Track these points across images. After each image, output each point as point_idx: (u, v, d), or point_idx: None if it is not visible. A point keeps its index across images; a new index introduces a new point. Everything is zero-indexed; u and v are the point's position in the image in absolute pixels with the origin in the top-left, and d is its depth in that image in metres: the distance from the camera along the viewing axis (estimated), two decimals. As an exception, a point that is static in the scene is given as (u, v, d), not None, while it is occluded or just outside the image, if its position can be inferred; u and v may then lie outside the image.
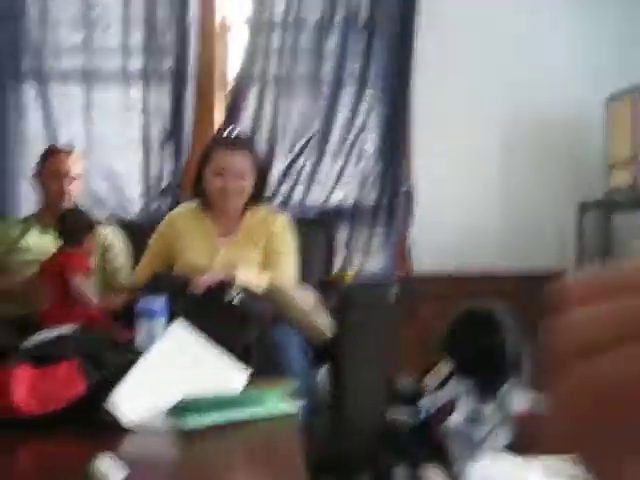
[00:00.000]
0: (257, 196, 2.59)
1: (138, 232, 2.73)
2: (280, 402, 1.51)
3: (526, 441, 2.67)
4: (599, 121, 3.09)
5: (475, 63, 3.26)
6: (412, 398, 2.89)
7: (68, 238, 2.42)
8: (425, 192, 3.23)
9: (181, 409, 1.37)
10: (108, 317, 2.29)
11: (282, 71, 3.11)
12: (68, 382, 1.38)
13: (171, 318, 1.68)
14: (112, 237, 2.78)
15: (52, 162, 2.74)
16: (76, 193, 2.78)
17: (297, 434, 1.37)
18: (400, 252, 3.17)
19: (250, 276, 2.36)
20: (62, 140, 3.07)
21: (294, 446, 1.28)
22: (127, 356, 1.49)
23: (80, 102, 3.13)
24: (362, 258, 3.15)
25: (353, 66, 3.13)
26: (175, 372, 1.47)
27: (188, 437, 1.30)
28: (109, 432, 1.31)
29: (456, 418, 2.63)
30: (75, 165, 2.77)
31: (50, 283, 2.34)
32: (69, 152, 2.79)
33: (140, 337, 1.64)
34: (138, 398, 1.37)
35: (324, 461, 2.47)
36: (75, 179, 2.75)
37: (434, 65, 3.18)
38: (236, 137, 2.59)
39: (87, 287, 2.34)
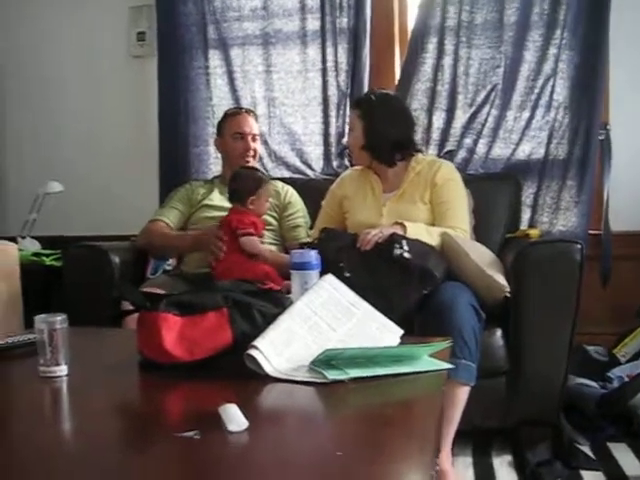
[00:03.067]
0: (409, 145, 2.51)
1: (318, 192, 2.74)
2: (433, 360, 1.42)
3: None
4: None
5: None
6: (602, 367, 2.66)
7: (234, 196, 2.49)
8: (622, 143, 2.92)
9: (325, 361, 1.33)
10: (278, 273, 2.33)
11: (462, 19, 2.94)
12: (215, 331, 1.40)
13: (332, 272, 1.64)
14: (292, 195, 2.83)
15: (231, 123, 2.83)
16: (257, 153, 2.85)
17: (439, 395, 1.28)
18: (594, 208, 2.90)
19: (420, 230, 2.28)
20: (244, 103, 3.16)
21: (433, 407, 1.19)
22: (277, 307, 1.48)
23: (261, 65, 3.18)
24: (551, 215, 2.92)
25: (541, 6, 2.88)
26: (321, 324, 1.44)
27: (328, 390, 1.26)
28: (251, 381, 1.31)
29: (651, 391, 2.37)
30: (254, 125, 2.84)
31: (226, 239, 2.42)
32: (248, 113, 2.86)
33: (293, 289, 1.63)
34: (281, 348, 1.36)
35: (499, 426, 2.35)
36: (255, 139, 2.82)
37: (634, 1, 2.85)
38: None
39: (256, 246, 2.39)
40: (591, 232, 2.88)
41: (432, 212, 2.41)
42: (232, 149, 2.82)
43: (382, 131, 2.47)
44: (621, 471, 2.23)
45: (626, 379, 2.56)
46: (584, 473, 2.22)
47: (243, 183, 2.47)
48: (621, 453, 2.35)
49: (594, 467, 2.25)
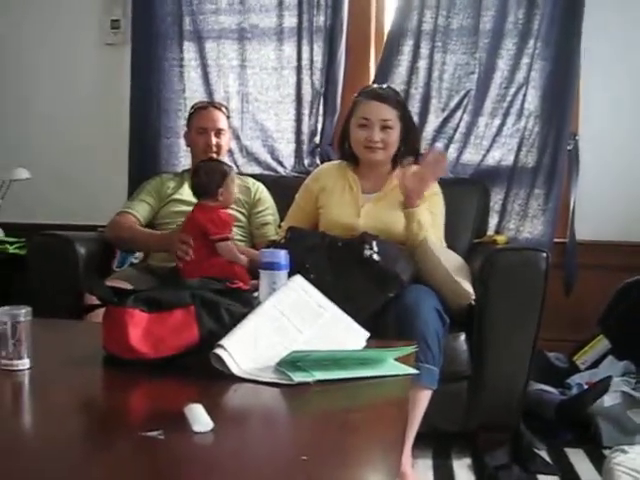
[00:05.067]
0: (406, 153, 2.50)
1: (289, 189, 2.73)
2: (398, 364, 1.43)
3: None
4: None
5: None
6: (561, 374, 2.71)
7: (200, 191, 2.46)
8: (590, 153, 2.97)
9: (291, 363, 1.34)
10: (247, 273, 2.32)
11: (438, 23, 2.95)
12: (182, 329, 1.40)
13: (298, 272, 1.64)
14: (262, 192, 2.82)
15: (197, 117, 2.81)
16: (225, 148, 2.83)
17: (405, 400, 1.29)
18: (561, 217, 2.94)
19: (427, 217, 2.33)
20: (218, 97, 3.14)
21: (399, 411, 1.20)
22: (245, 307, 1.47)
23: (236, 59, 3.16)
24: (518, 222, 2.96)
25: (516, 15, 2.91)
26: (289, 326, 1.44)
27: (294, 392, 1.27)
28: (217, 380, 1.30)
29: (610, 400, 2.42)
30: (222, 120, 2.82)
31: (192, 237, 2.39)
32: (216, 107, 2.84)
33: (261, 289, 1.62)
34: (248, 348, 1.36)
35: (459, 430, 2.37)
36: (223, 134, 2.80)
37: (607, 10, 2.89)
38: (381, 88, 2.51)
39: (233, 254, 2.36)
40: (557, 240, 2.92)
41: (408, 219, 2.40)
42: (195, 143, 2.80)
43: (415, 136, 2.52)
44: (577, 476, 2.28)
45: (585, 386, 2.61)
46: (541, 477, 2.26)
47: (209, 176, 2.43)
48: (578, 459, 2.40)
49: (551, 472, 2.29)
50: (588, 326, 2.78)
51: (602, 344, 2.73)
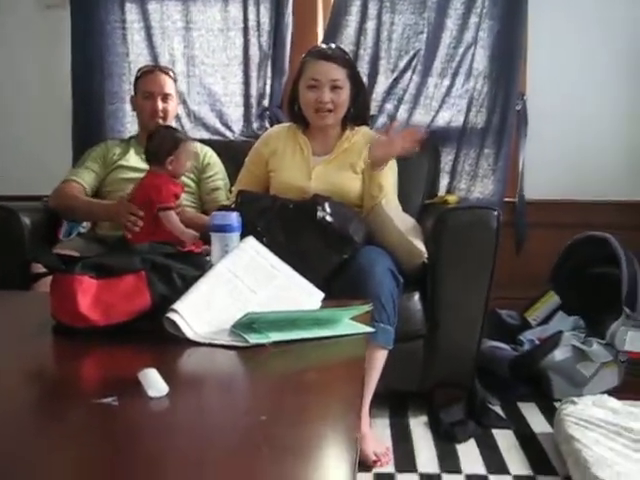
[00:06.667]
0: (357, 116, 2.48)
1: (238, 154, 2.68)
2: (353, 323, 1.43)
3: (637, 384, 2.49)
4: None
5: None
6: (514, 330, 2.76)
7: (151, 157, 2.41)
8: (538, 112, 2.99)
9: (246, 325, 1.32)
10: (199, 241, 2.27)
11: (386, -17, 2.92)
12: (133, 295, 1.36)
13: (250, 235, 1.62)
14: (211, 157, 2.77)
15: (143, 82, 2.74)
16: (172, 113, 2.77)
17: (362, 358, 1.29)
18: (510, 176, 2.97)
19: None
20: (163, 61, 3.06)
21: (355, 370, 1.20)
22: (197, 270, 1.44)
23: (180, 21, 3.08)
24: (469, 182, 2.98)
25: (463, -26, 2.90)
26: (242, 288, 1.42)
27: (250, 354, 1.25)
28: (171, 345, 1.28)
29: (560, 354, 2.47)
30: (170, 84, 2.75)
31: (140, 207, 2.34)
32: (162, 71, 2.77)
33: (213, 252, 1.59)
34: (202, 312, 1.33)
35: (415, 389, 2.40)
36: (170, 99, 2.73)
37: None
38: (329, 48, 2.47)
39: (176, 227, 2.30)
40: (507, 199, 2.95)
41: (363, 182, 2.39)
42: (142, 109, 2.73)
43: (364, 97, 2.48)
44: (530, 429, 2.33)
45: (537, 342, 2.66)
46: (495, 432, 2.31)
47: (160, 143, 2.38)
48: (530, 412, 2.46)
49: (505, 426, 2.34)
50: (539, 283, 2.83)
51: (552, 300, 2.78)
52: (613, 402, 2.20)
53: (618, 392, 2.37)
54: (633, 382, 2.49)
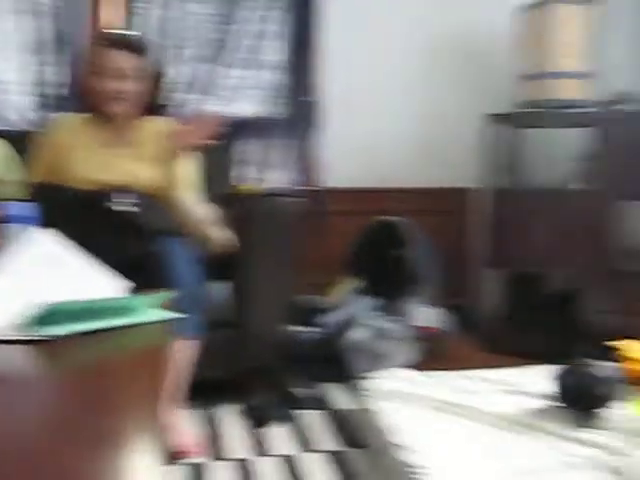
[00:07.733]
0: (152, 105, 2.41)
1: (26, 144, 2.51)
2: (155, 311, 1.39)
3: (431, 357, 2.68)
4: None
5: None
6: (315, 315, 2.84)
7: None
8: (336, 103, 3.10)
9: (39, 317, 1.24)
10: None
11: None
12: None
13: (45, 226, 1.53)
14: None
15: None
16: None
17: (163, 346, 1.27)
18: (309, 166, 3.05)
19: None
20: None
21: (157, 358, 1.17)
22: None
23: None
24: (268, 172, 3.03)
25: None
26: (37, 279, 1.34)
27: (46, 347, 1.18)
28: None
29: (359, 334, 2.59)
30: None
31: None
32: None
33: (7, 243, 1.49)
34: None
35: (225, 377, 2.40)
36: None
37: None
38: (122, 35, 2.38)
39: None
40: (307, 188, 3.03)
41: (161, 173, 2.33)
42: None
43: (160, 86, 2.38)
44: (335, 407, 2.42)
45: (338, 325, 2.76)
46: (305, 413, 2.37)
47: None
48: (336, 391, 2.55)
49: (314, 407, 2.41)
50: (339, 268, 2.94)
51: (353, 284, 2.91)
52: (408, 373, 2.35)
53: (420, 365, 2.53)
54: (432, 355, 2.67)
